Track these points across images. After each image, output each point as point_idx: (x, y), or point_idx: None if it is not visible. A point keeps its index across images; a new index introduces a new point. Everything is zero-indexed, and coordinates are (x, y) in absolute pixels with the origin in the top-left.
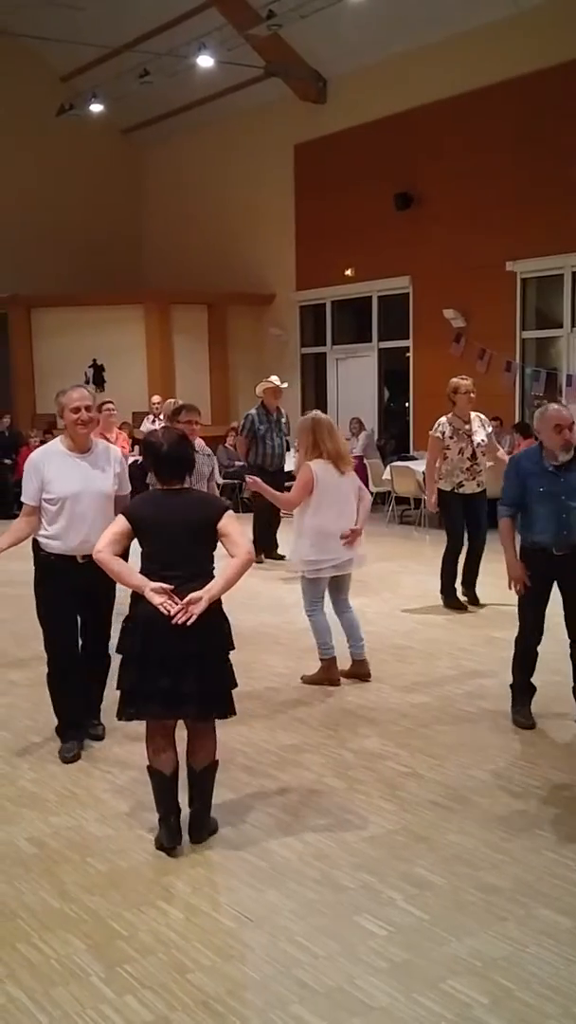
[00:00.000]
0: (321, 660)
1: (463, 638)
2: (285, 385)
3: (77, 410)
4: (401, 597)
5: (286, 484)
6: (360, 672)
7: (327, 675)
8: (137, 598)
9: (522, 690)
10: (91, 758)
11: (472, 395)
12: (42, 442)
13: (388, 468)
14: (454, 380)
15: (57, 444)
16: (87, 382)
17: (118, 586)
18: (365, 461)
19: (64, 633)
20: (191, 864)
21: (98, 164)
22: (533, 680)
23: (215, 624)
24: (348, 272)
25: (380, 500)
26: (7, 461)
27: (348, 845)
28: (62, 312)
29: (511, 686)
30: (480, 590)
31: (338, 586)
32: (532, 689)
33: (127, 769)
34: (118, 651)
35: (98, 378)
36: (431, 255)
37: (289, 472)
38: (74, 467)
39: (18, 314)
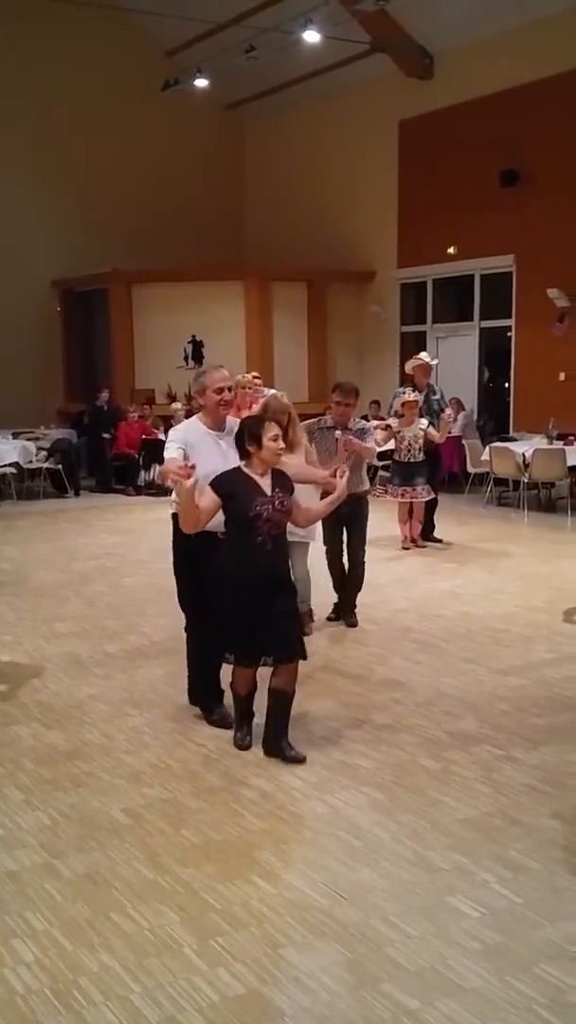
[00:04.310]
0: None
1: (562, 622)
2: (435, 362)
3: (221, 390)
4: (499, 579)
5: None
6: None
7: None
8: None
9: None
10: (186, 731)
11: None
12: (141, 416)
13: (487, 449)
14: None
15: (196, 422)
16: (186, 358)
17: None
18: (464, 442)
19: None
20: (284, 840)
21: (201, 140)
22: None
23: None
24: (451, 250)
25: (479, 481)
26: (106, 435)
27: (442, 826)
28: (162, 288)
29: None
30: None
31: None
32: None
33: (222, 743)
34: None
35: (197, 354)
36: (536, 233)
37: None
38: (215, 446)
39: (119, 289)
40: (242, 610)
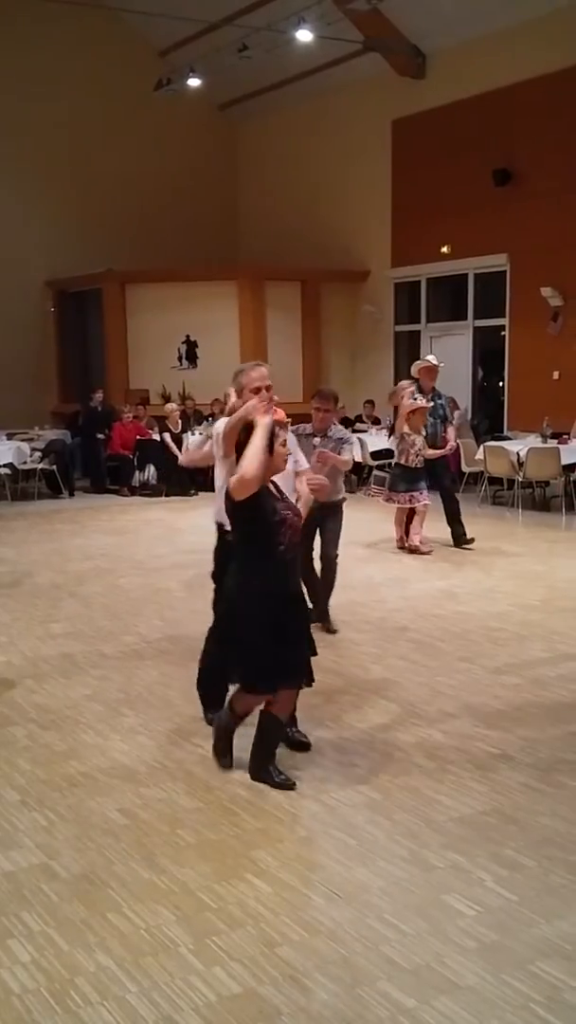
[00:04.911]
0: None
1: (557, 621)
2: (442, 364)
3: (258, 390)
4: (494, 578)
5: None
6: None
7: None
8: None
9: None
10: (181, 732)
11: None
12: (135, 417)
13: (481, 448)
14: None
15: None
16: (180, 358)
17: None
18: (458, 441)
19: None
20: (280, 839)
21: (194, 140)
22: None
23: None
24: (444, 249)
25: (473, 480)
26: (100, 436)
27: (437, 824)
28: (156, 288)
29: None
30: None
31: None
32: None
33: None
34: None
35: (191, 354)
36: (529, 232)
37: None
38: None
39: (113, 290)
40: (269, 629)
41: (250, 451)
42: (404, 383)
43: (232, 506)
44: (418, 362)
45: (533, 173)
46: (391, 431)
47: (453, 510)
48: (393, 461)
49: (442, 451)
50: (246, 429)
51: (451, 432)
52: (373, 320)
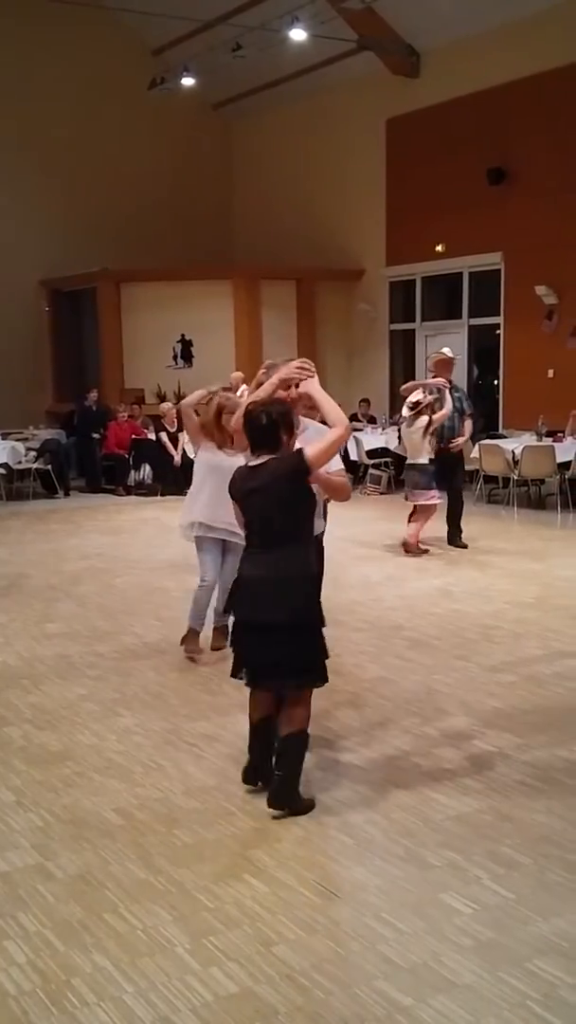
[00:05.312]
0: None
1: (552, 619)
2: (458, 357)
3: (287, 386)
4: (490, 576)
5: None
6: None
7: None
8: None
9: None
10: (177, 731)
11: None
12: (130, 416)
13: (477, 446)
14: None
15: None
16: (175, 357)
17: None
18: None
19: None
20: (277, 839)
21: (188, 139)
22: None
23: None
24: (439, 248)
25: (468, 479)
26: (95, 435)
27: (434, 823)
28: (151, 287)
29: None
30: None
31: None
32: None
33: (213, 743)
34: None
35: (186, 353)
36: (523, 231)
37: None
38: None
39: (107, 289)
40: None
41: (328, 404)
42: (440, 380)
43: (305, 482)
44: (433, 355)
45: (527, 171)
46: (426, 429)
47: (457, 512)
48: (428, 457)
49: (459, 441)
50: (277, 414)
51: (468, 426)
52: (368, 319)
